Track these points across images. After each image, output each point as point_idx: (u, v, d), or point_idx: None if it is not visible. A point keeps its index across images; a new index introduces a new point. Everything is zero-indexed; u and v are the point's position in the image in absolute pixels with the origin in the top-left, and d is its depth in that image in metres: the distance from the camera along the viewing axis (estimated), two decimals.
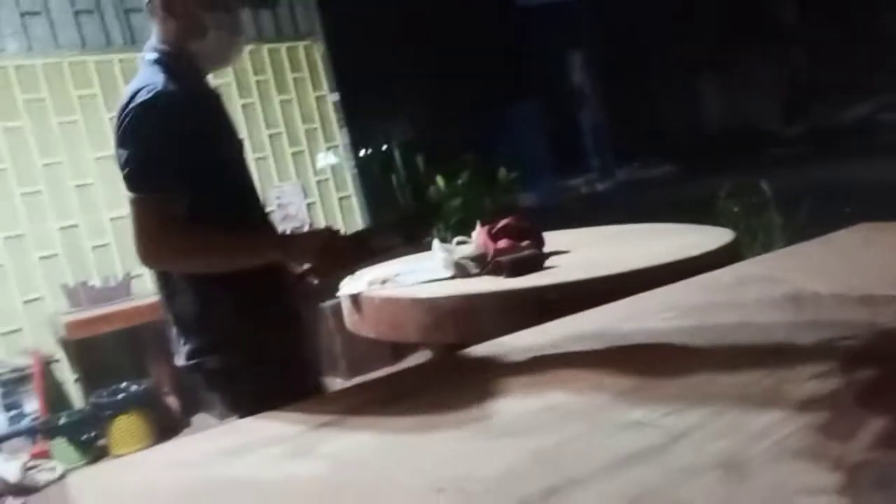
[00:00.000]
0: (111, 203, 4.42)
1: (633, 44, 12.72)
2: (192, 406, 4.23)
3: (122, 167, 1.36)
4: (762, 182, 3.88)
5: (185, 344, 1.45)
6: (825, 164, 9.35)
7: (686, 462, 0.73)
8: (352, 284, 2.37)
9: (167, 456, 0.94)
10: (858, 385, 0.87)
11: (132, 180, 1.33)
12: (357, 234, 1.50)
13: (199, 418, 4.21)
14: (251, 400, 1.16)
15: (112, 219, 4.43)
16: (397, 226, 1.47)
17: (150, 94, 1.33)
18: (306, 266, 1.42)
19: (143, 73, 1.41)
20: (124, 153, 1.35)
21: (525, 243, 2.07)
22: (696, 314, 1.38)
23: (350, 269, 1.46)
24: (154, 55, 1.44)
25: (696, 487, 0.67)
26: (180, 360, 1.47)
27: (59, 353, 4.21)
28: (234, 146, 1.53)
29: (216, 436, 1.00)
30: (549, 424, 0.88)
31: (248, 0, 5.07)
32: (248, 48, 5.02)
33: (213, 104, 1.51)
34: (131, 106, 1.34)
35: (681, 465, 0.72)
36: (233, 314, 1.41)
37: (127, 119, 1.34)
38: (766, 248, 3.63)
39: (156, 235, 1.30)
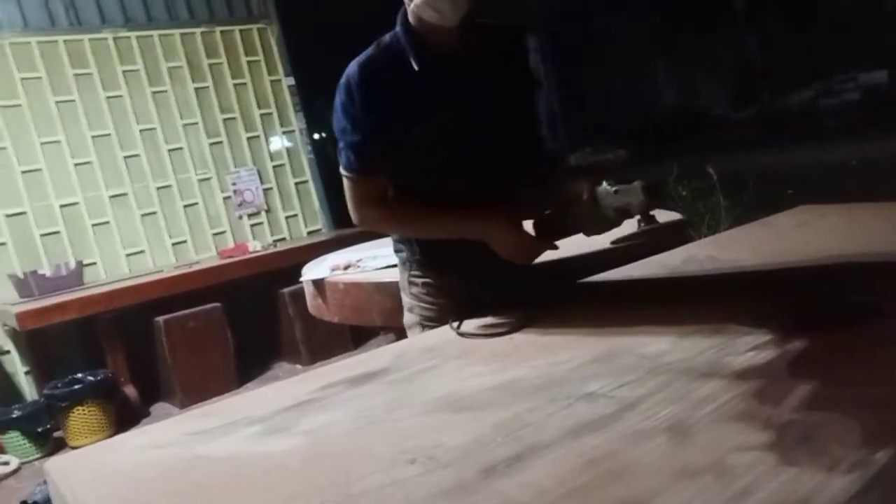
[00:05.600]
0: (61, 189, 4.32)
1: (586, 29, 12.86)
2: (151, 395, 4.19)
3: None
4: (709, 166, 4.04)
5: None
6: (771, 148, 9.69)
7: (636, 428, 0.80)
8: (314, 270, 2.40)
9: (149, 438, 0.97)
10: (790, 355, 0.96)
11: (339, 158, 1.46)
12: (543, 227, 1.45)
13: (158, 407, 4.18)
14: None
15: (62, 205, 4.33)
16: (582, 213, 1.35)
17: (347, 73, 1.40)
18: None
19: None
20: (334, 127, 1.45)
21: None
22: (648, 293, 1.46)
23: (536, 257, 1.49)
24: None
25: (645, 450, 0.75)
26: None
27: (8, 345, 4.11)
28: (441, 122, 1.42)
29: (195, 417, 1.03)
30: (509, 398, 0.95)
31: None
32: (200, 30, 4.93)
33: (424, 77, 1.39)
34: (340, 82, 1.40)
35: (631, 431, 0.80)
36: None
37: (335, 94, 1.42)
38: (713, 229, 3.79)
39: (358, 207, 1.46)
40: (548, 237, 1.43)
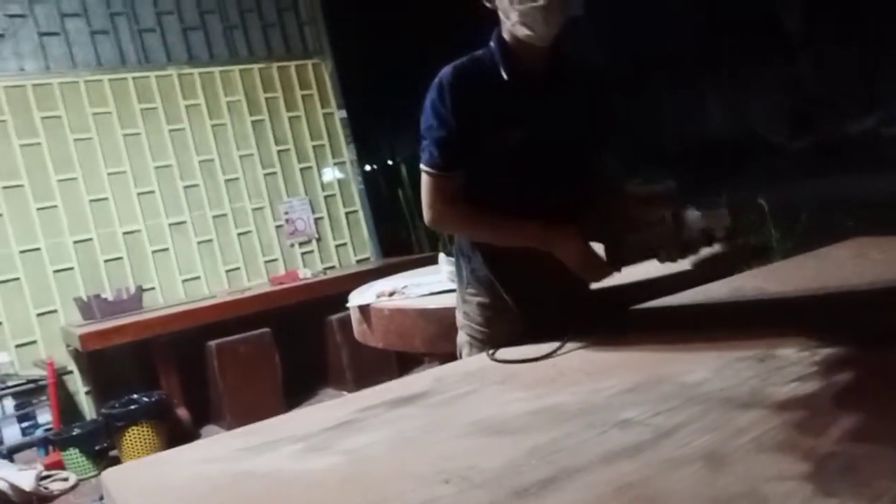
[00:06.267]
0: (125, 217, 4.53)
1: (635, 57, 12.81)
2: (201, 417, 4.30)
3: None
4: (760, 199, 3.95)
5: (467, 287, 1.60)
6: (829, 177, 9.38)
7: (670, 456, 0.80)
8: (361, 296, 2.45)
9: (198, 453, 1.02)
10: (835, 386, 0.94)
11: (422, 153, 1.50)
12: (615, 250, 1.43)
13: (207, 429, 4.28)
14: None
15: (125, 233, 4.54)
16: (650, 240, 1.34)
17: (441, 74, 1.46)
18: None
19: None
20: (422, 125, 1.50)
21: None
22: (694, 321, 1.45)
23: (603, 278, 1.49)
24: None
25: (678, 477, 0.74)
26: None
27: (71, 365, 4.30)
28: (520, 134, 1.48)
29: (241, 435, 1.07)
30: (546, 424, 0.96)
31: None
32: (258, 66, 5.14)
33: (510, 90, 1.47)
34: (433, 82, 1.47)
35: (665, 459, 0.79)
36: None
37: (427, 92, 1.48)
38: (764, 261, 3.69)
39: (432, 203, 1.49)
40: (618, 261, 1.41)
